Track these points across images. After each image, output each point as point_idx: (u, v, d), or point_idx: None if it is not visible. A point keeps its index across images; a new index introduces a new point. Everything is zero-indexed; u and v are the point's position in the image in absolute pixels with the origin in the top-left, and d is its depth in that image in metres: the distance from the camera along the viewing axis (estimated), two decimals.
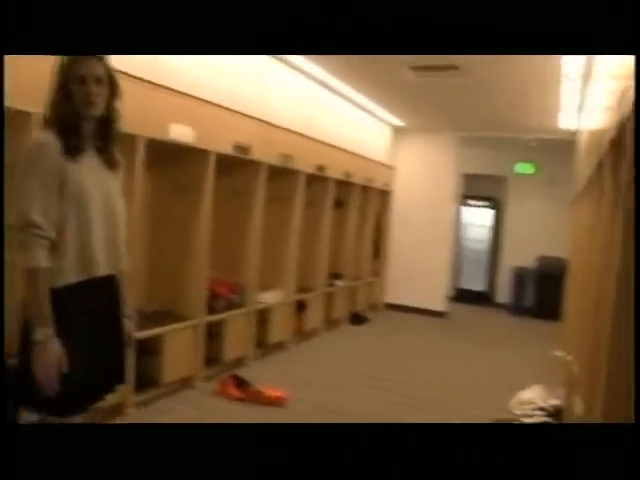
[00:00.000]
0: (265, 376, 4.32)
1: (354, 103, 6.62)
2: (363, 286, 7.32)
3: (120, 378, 2.04)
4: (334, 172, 5.94)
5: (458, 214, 9.18)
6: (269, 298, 4.96)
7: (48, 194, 1.75)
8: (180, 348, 3.83)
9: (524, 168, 9.36)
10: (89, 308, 1.86)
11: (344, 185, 6.40)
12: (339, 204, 6.46)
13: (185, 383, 3.96)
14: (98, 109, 1.85)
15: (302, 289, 5.62)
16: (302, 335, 5.68)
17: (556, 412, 3.78)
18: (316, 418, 3.67)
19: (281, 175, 5.05)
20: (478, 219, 9.85)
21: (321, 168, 5.62)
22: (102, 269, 1.88)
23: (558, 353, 4.53)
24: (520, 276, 9.09)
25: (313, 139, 5.42)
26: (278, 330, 5.15)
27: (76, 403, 1.84)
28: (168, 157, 3.87)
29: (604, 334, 1.85)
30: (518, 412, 3.93)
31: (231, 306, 4.42)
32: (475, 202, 9.86)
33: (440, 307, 7.97)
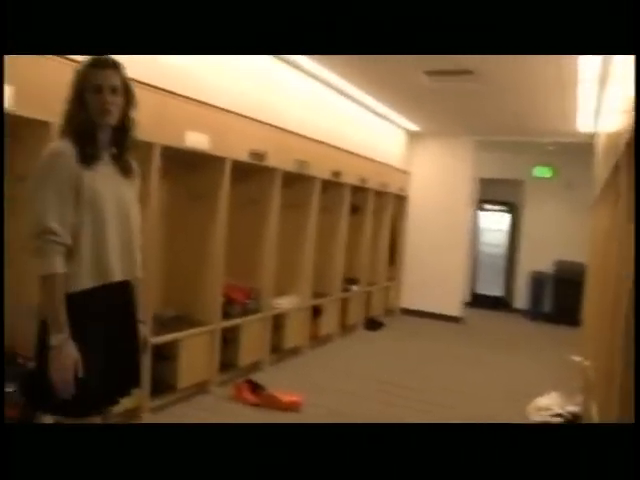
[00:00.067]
0: (280, 381, 4.33)
1: (369, 108, 6.63)
2: (378, 291, 7.31)
3: (135, 382, 2.06)
4: (349, 178, 5.95)
5: (475, 219, 9.13)
6: (284, 303, 4.97)
7: (64, 201, 1.78)
8: (196, 353, 3.86)
9: (542, 172, 9.29)
10: (104, 313, 1.88)
11: (359, 190, 6.41)
12: (355, 209, 6.46)
13: (201, 388, 3.99)
14: (113, 118, 1.88)
15: (317, 294, 5.63)
16: (317, 340, 5.68)
17: (574, 419, 3.74)
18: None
19: (296, 181, 5.07)
20: (495, 223, 9.77)
21: (336, 174, 5.63)
22: (117, 275, 1.91)
23: (576, 358, 4.48)
24: (538, 281, 9.00)
25: (328, 145, 5.44)
26: (293, 335, 5.16)
27: (91, 406, 1.86)
28: (184, 164, 3.91)
29: (619, 338, 1.83)
30: (535, 418, 3.89)
31: (246, 311, 4.44)
32: (492, 206, 9.79)
33: (456, 312, 7.92)
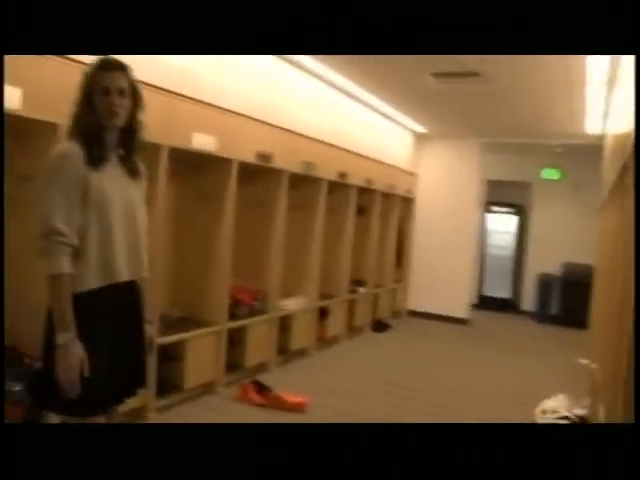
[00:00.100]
0: (286, 382, 4.33)
1: (375, 110, 6.63)
2: (385, 293, 7.30)
3: (141, 382, 2.07)
4: (356, 179, 5.95)
5: (482, 221, 9.11)
6: (291, 305, 4.98)
7: (71, 202, 1.79)
8: (202, 354, 3.87)
9: (550, 174, 9.26)
10: (111, 313, 1.90)
11: (366, 192, 6.40)
12: (361, 211, 6.46)
13: (207, 389, 4.00)
14: (121, 120, 1.90)
15: (324, 296, 5.63)
16: (324, 342, 5.68)
17: (581, 421, 3.72)
18: None
19: (303, 183, 5.08)
20: (502, 225, 9.74)
21: (343, 175, 5.63)
22: (124, 275, 1.92)
23: (583, 361, 4.46)
24: (545, 283, 8.96)
25: (335, 146, 5.44)
26: (300, 337, 5.16)
27: (97, 405, 1.87)
28: (191, 166, 3.93)
29: (627, 341, 1.82)
30: (542, 421, 3.88)
31: (253, 313, 4.45)
32: (499, 208, 9.76)
33: (463, 314, 7.90)
